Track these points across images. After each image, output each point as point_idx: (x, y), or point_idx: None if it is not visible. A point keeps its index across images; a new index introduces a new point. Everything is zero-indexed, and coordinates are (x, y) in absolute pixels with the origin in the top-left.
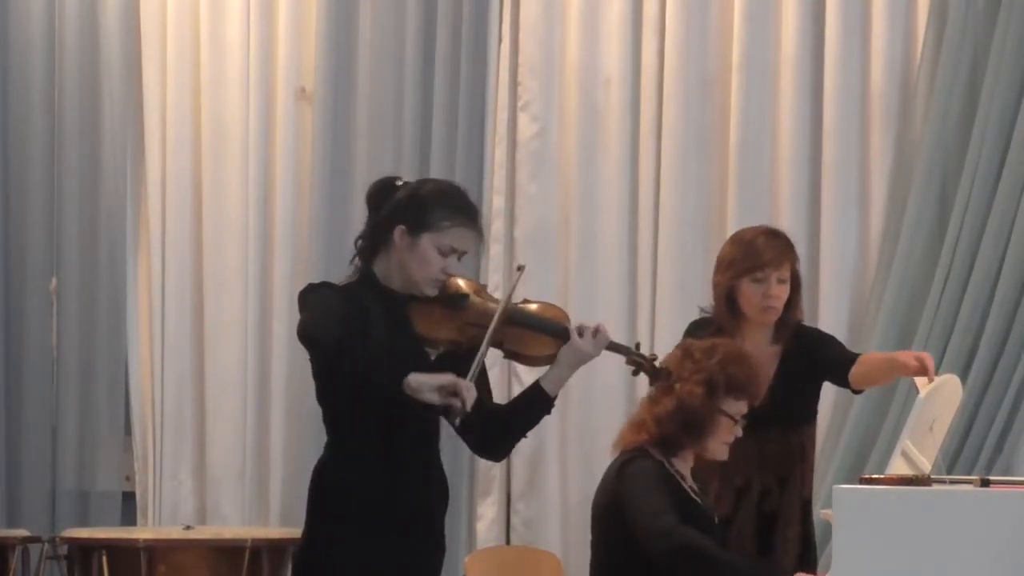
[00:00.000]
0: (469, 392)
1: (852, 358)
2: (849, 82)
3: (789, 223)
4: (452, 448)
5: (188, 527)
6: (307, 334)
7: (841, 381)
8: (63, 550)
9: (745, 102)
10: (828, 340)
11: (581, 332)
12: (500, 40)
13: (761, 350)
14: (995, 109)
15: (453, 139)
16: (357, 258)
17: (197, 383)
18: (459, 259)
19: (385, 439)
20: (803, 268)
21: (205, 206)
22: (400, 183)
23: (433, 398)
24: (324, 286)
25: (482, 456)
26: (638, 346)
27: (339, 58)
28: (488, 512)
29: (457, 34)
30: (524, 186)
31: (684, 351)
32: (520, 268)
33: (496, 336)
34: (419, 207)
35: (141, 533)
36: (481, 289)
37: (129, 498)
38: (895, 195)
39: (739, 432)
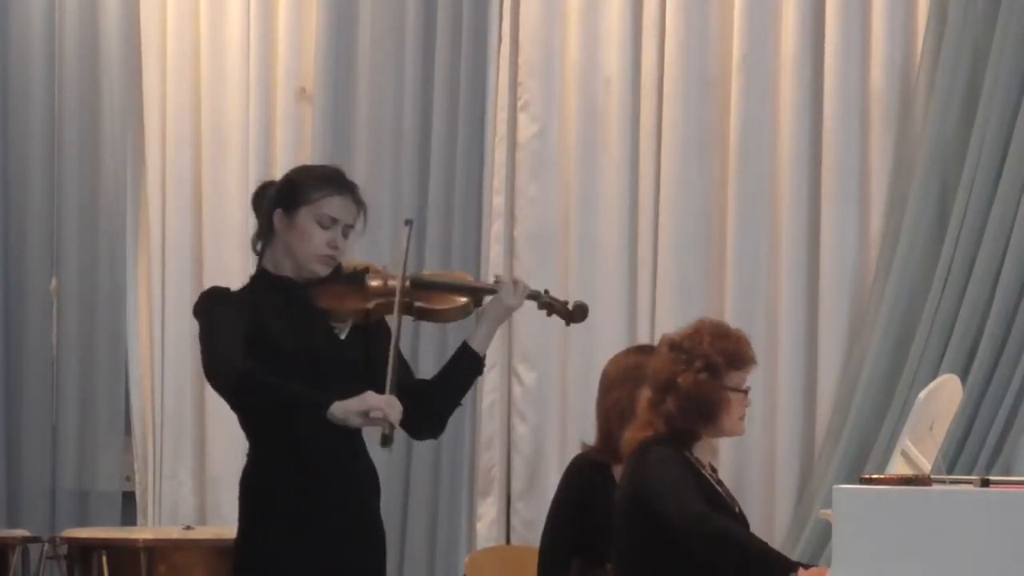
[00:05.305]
0: (392, 408)
1: None
2: (849, 82)
3: (789, 223)
4: (452, 448)
5: (188, 527)
6: (216, 375)
7: None
8: (63, 550)
9: (745, 102)
10: None
11: (508, 285)
12: (500, 40)
13: None
14: (995, 109)
15: (453, 139)
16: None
17: (197, 383)
18: (344, 234)
19: (299, 439)
20: (803, 268)
21: (205, 206)
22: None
23: (357, 422)
24: (219, 302)
25: (418, 436)
26: (546, 292)
27: (339, 58)
28: (488, 512)
29: (457, 34)
30: (524, 186)
31: (668, 346)
32: (408, 222)
33: (404, 302)
34: (291, 187)
35: (141, 533)
36: (379, 267)
37: (129, 498)
38: (895, 195)
39: (749, 402)
